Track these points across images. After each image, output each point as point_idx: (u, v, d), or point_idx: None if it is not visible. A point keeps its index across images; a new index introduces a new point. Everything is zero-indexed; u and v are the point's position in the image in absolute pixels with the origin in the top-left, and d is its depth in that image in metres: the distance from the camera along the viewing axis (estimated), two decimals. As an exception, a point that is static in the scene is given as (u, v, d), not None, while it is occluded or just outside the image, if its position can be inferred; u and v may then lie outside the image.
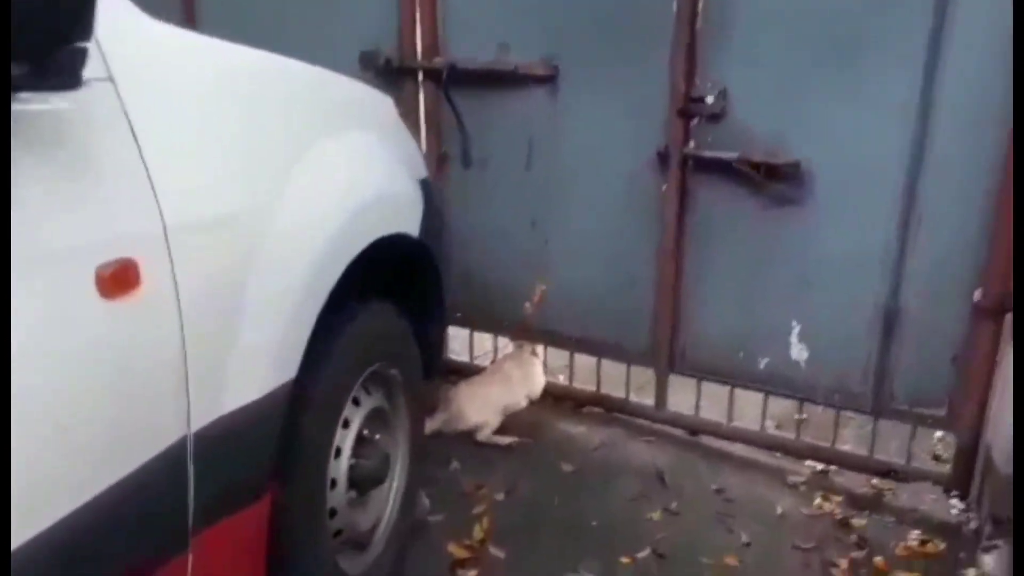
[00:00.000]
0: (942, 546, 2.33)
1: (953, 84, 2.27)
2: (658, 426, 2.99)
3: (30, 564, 0.94)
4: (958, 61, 2.25)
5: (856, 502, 2.56)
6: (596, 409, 3.12)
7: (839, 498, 2.57)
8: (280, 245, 1.43)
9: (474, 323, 3.31)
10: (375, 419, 1.97)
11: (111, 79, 1.10)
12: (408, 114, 3.05)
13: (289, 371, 1.46)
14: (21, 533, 0.93)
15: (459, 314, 3.29)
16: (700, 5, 2.53)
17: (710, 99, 2.59)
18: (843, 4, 2.35)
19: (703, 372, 2.88)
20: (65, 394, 1.00)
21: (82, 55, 0.96)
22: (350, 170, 1.75)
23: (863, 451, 2.73)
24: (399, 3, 2.98)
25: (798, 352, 2.68)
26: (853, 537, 2.37)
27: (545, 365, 3.15)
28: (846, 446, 2.82)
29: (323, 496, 1.71)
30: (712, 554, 2.28)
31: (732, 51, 2.54)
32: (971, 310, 2.40)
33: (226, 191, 1.32)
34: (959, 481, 2.57)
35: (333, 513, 1.79)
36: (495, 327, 3.28)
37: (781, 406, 2.89)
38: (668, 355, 2.90)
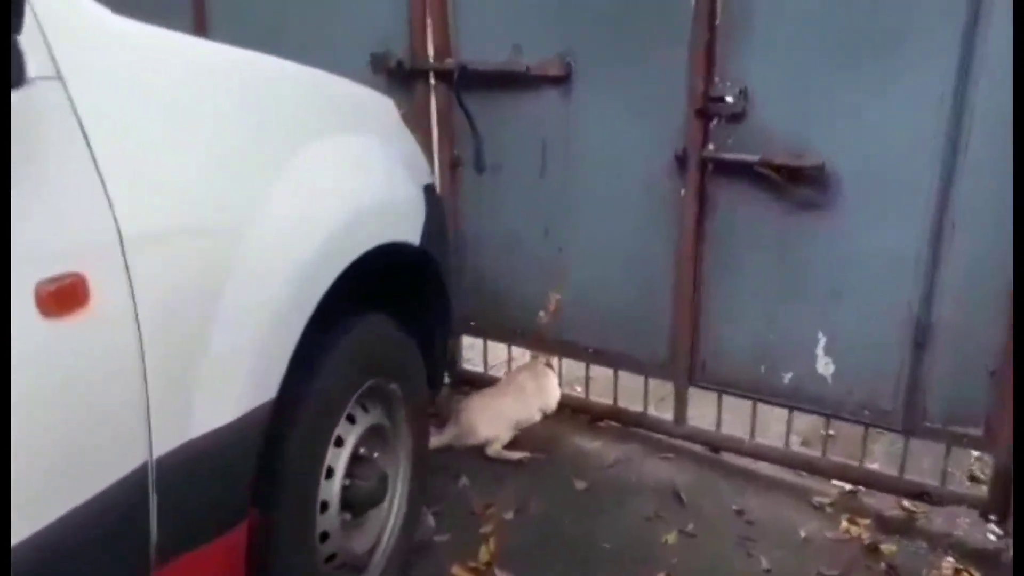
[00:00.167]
0: (978, 575, 2.19)
1: (988, 80, 2.12)
2: (677, 442, 2.87)
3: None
4: (994, 56, 2.09)
5: (886, 526, 2.41)
6: (613, 423, 3.00)
7: (867, 521, 2.42)
8: (259, 256, 1.34)
9: (488, 332, 3.22)
10: (373, 436, 1.88)
11: (59, 77, 1.02)
12: (420, 117, 3.00)
13: (269, 391, 1.37)
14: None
15: (473, 323, 3.22)
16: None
17: (730, 98, 2.47)
18: (871, -4, 2.22)
19: (724, 386, 2.75)
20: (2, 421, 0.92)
21: (17, 50, 0.88)
22: (343, 175, 1.66)
23: (894, 470, 2.59)
24: (409, 3, 2.89)
25: (824, 366, 2.54)
26: (882, 565, 2.23)
27: (560, 377, 3.04)
28: (875, 464, 2.69)
29: (312, 520, 1.62)
30: (730, 581, 2.15)
31: (753, 47, 2.41)
32: (1010, 320, 2.24)
33: (197, 198, 1.23)
34: (997, 505, 2.41)
35: (325, 537, 1.70)
36: (509, 337, 3.18)
37: (807, 421, 2.75)
38: (687, 367, 2.77)
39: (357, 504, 1.78)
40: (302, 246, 1.45)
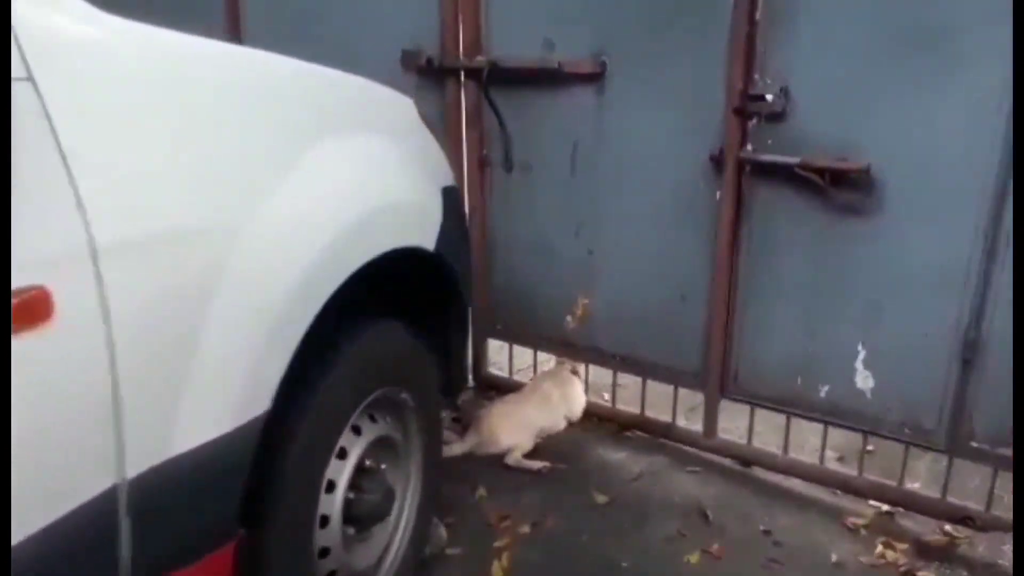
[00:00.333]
0: (1023, 609, 2.04)
1: (1051, 81, 1.97)
2: (706, 455, 2.75)
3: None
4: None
5: (924, 551, 2.28)
6: (640, 433, 2.90)
7: (904, 546, 2.29)
8: (253, 263, 1.28)
9: (514, 336, 3.14)
10: (381, 448, 1.82)
11: (30, 78, 0.96)
12: (450, 116, 2.93)
13: (260, 404, 1.31)
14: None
15: (499, 327, 3.14)
16: (760, -8, 2.30)
17: (770, 97, 2.35)
18: (922, -12, 2.08)
19: (757, 398, 2.63)
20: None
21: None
22: (351, 178, 1.59)
23: (936, 490, 2.44)
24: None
25: (863, 380, 2.41)
26: (919, 594, 2.11)
27: (587, 384, 2.95)
28: (917, 483, 2.54)
29: (310, 536, 1.56)
30: (754, 607, 2.05)
31: (796, 43, 2.29)
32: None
33: (183, 202, 1.17)
34: (1048, 534, 2.25)
35: (325, 552, 1.64)
36: (536, 341, 3.10)
37: (845, 435, 2.61)
38: (719, 378, 2.66)
39: (361, 518, 1.72)
40: (302, 251, 1.39)
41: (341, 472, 1.66)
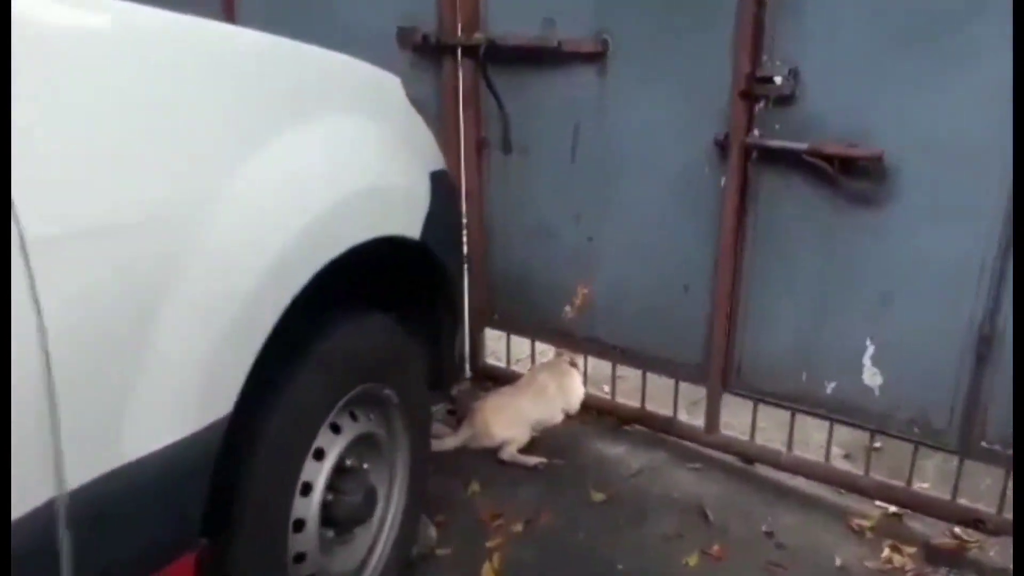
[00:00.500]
0: (1037, 619, 1.95)
1: (1077, 64, 1.85)
2: (707, 451, 2.67)
3: None
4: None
5: (933, 556, 2.19)
6: (640, 428, 2.81)
7: (912, 549, 2.20)
8: (211, 255, 1.19)
9: (512, 326, 3.05)
10: (364, 446, 1.74)
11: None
12: (446, 96, 2.83)
13: (221, 406, 1.22)
14: None
15: (496, 316, 3.06)
16: (769, -32, 2.18)
17: (778, 79, 2.24)
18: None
19: (761, 393, 2.53)
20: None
21: None
22: (325, 162, 1.49)
23: (946, 490, 2.35)
24: (437, -27, 2.72)
25: (871, 376, 2.31)
26: (927, 602, 2.02)
27: (585, 376, 2.86)
28: (926, 483, 2.45)
29: (283, 542, 1.48)
30: (754, 613, 1.97)
31: (806, 22, 2.17)
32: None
33: (132, 191, 1.08)
34: (1063, 539, 2.16)
35: (301, 558, 1.56)
36: (534, 332, 3.01)
37: (852, 431, 2.51)
38: (722, 372, 2.56)
39: (341, 521, 1.64)
40: (268, 242, 1.29)
41: (318, 473, 1.57)
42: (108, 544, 1.07)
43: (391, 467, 1.87)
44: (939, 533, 2.29)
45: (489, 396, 2.71)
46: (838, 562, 2.16)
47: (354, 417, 1.71)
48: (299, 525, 1.54)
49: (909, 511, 2.37)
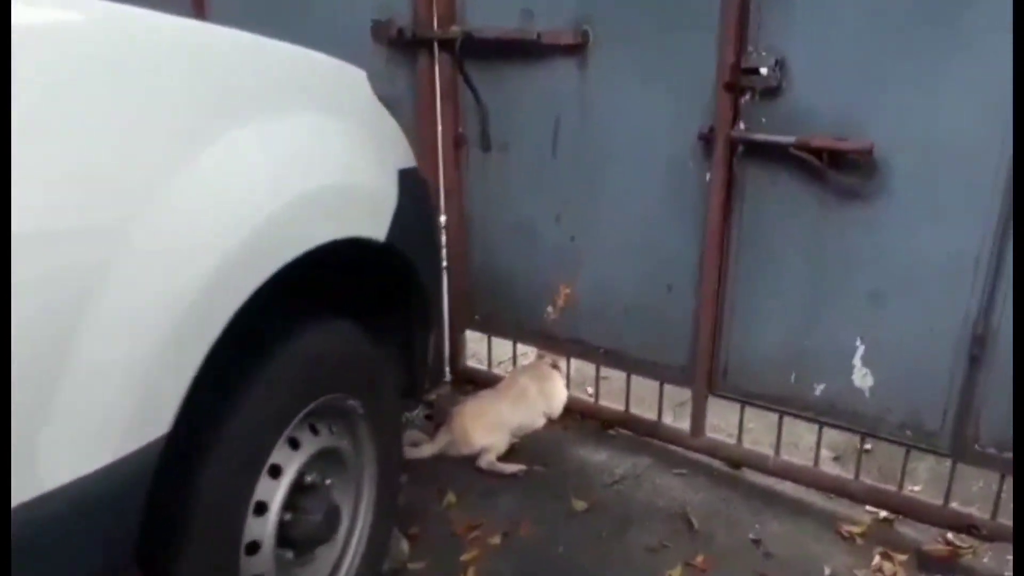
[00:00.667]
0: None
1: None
2: (693, 455, 2.58)
3: None
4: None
5: (925, 563, 2.12)
6: (624, 431, 2.73)
7: (904, 557, 2.13)
8: (145, 264, 1.09)
9: (493, 328, 2.97)
10: (326, 461, 1.64)
11: None
12: (423, 91, 2.73)
13: (157, 426, 1.13)
14: None
15: (477, 317, 2.97)
16: (754, -45, 2.09)
17: (764, 70, 2.15)
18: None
19: (748, 396, 2.45)
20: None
21: None
22: (277, 161, 1.39)
23: (938, 494, 2.28)
24: (412, -36, 2.62)
25: (862, 378, 2.24)
26: (920, 611, 1.95)
27: (569, 379, 2.77)
28: (917, 487, 2.38)
29: (233, 567, 1.39)
30: (740, 627, 1.89)
31: (794, 11, 2.09)
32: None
33: (46, 198, 0.99)
34: (1059, 545, 2.08)
35: (256, 582, 1.47)
36: (515, 333, 2.92)
37: (842, 432, 2.43)
38: (708, 374, 2.48)
39: (300, 541, 1.55)
40: (210, 248, 1.20)
41: (274, 492, 1.48)
42: (27, 580, 0.98)
43: (357, 481, 1.78)
44: (931, 539, 2.22)
45: (468, 401, 2.62)
46: (827, 571, 2.08)
47: (315, 430, 1.62)
48: (253, 547, 1.45)
49: (900, 516, 2.29)
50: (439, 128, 2.80)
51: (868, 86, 2.03)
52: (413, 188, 1.88)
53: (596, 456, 2.59)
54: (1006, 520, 2.19)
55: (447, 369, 3.04)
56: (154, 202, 1.11)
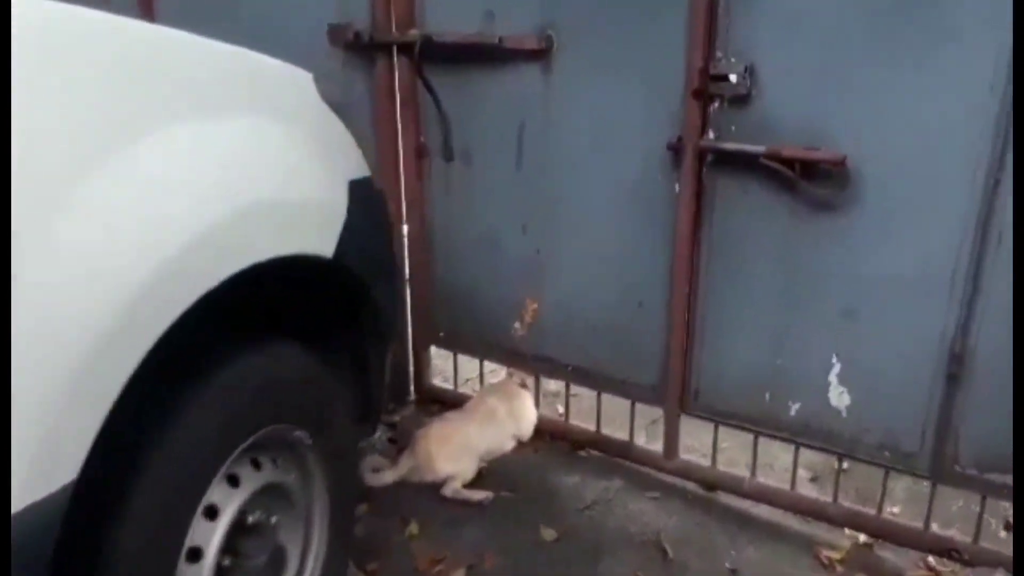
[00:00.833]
0: (1018, 658, 1.79)
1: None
2: (667, 478, 2.48)
3: None
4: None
5: (907, 590, 2.03)
6: (596, 452, 2.62)
7: (885, 583, 2.04)
8: (51, 287, 0.97)
9: (458, 345, 2.85)
10: (270, 497, 1.52)
11: None
12: (381, 98, 2.62)
13: (62, 473, 1.00)
14: None
15: (442, 333, 2.85)
16: (722, -42, 2.01)
17: (734, 77, 2.07)
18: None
19: (721, 415, 2.36)
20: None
21: None
22: (204, 172, 1.27)
23: (918, 515, 2.20)
24: (369, -35, 2.51)
25: (838, 396, 2.16)
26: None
27: (537, 397, 2.66)
28: (896, 508, 2.30)
29: (159, 621, 1.26)
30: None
31: (763, 15, 2.01)
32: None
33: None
34: (1042, 568, 2.01)
35: (190, 633, 1.34)
36: (482, 350, 2.81)
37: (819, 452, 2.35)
38: (679, 394, 2.39)
39: (241, 586, 1.43)
40: (129, 264, 1.08)
41: (210, 535, 1.35)
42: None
43: (307, 517, 1.65)
44: (912, 564, 2.14)
45: (434, 423, 2.50)
46: (806, 601, 1.99)
47: (257, 465, 1.49)
48: (186, 597, 1.32)
49: (880, 540, 2.21)
50: (400, 137, 2.69)
51: (840, 94, 1.96)
52: (365, 200, 1.77)
53: (567, 480, 2.48)
54: (988, 544, 2.12)
55: (411, 388, 2.92)
56: (59, 212, 0.99)
